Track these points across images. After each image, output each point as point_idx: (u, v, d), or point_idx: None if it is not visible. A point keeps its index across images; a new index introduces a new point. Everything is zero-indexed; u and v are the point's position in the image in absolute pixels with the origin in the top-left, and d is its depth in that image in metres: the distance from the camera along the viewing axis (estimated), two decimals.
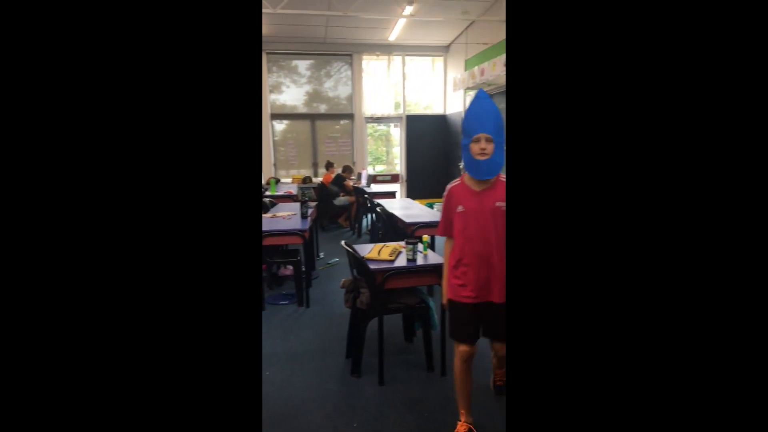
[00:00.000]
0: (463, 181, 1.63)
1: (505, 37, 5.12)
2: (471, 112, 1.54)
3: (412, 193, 7.25)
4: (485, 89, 5.86)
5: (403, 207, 4.05)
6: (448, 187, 1.65)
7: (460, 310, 1.64)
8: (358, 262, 2.16)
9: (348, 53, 7.03)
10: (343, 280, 2.32)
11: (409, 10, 5.41)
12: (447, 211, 1.65)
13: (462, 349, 1.66)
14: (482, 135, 1.48)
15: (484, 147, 1.48)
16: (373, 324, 2.18)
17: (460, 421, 1.71)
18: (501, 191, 1.56)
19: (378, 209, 3.83)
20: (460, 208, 1.59)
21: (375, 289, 2.10)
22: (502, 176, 1.58)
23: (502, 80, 5.10)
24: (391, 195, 5.78)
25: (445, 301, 1.69)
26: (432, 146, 7.33)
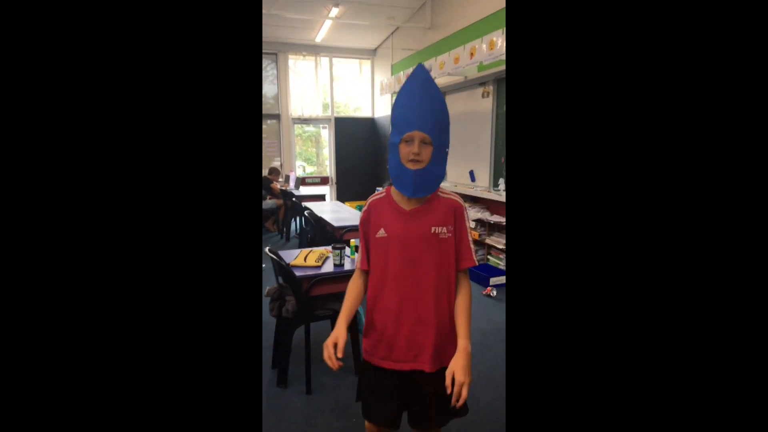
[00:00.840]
0: (388, 193, 1.13)
1: (428, 45, 5.30)
2: (404, 97, 1.04)
3: (342, 195, 7.24)
4: None
5: (332, 210, 4.03)
6: (368, 201, 1.16)
7: (379, 378, 1.12)
8: (284, 270, 2.10)
9: (273, 52, 6.83)
10: (268, 288, 2.24)
11: (335, 12, 5.39)
12: (366, 236, 1.14)
13: None
14: (417, 134, 1.00)
15: (418, 152, 1.00)
16: (299, 331, 2.13)
17: None
18: (441, 212, 1.08)
19: (306, 213, 3.77)
20: (381, 232, 1.09)
21: (301, 297, 2.06)
22: (445, 192, 1.13)
23: None
24: (320, 198, 5.72)
25: (332, 341, 1.04)
26: (361, 149, 7.38)
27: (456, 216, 1.10)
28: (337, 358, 1.03)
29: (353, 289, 1.17)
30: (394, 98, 1.07)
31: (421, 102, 1.02)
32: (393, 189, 1.12)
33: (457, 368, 1.00)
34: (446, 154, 1.07)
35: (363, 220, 1.15)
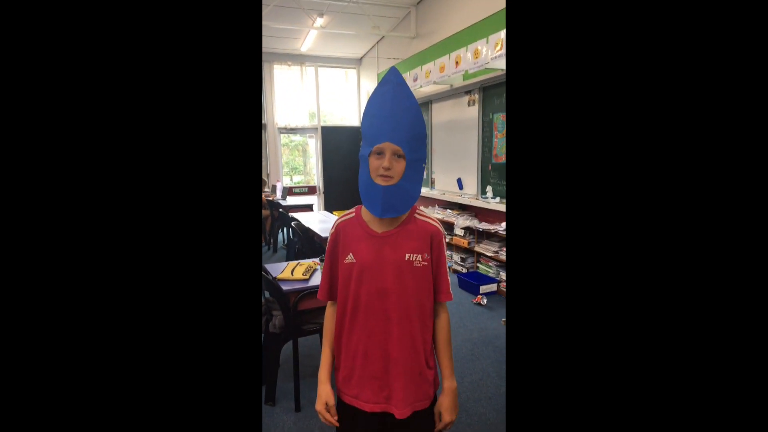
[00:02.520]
0: (358, 214, 1.02)
1: (413, 54, 5.33)
2: (375, 104, 0.94)
3: (330, 204, 7.19)
4: None
5: (320, 221, 3.99)
6: (336, 222, 1.04)
7: (353, 417, 1.01)
8: (270, 284, 2.05)
9: None
10: None
11: (319, 21, 5.39)
12: (331, 261, 1.02)
13: None
14: (388, 145, 0.90)
15: (389, 166, 0.90)
16: (287, 347, 2.08)
17: None
18: (417, 237, 0.98)
19: (294, 224, 3.72)
20: (349, 257, 0.98)
21: (288, 311, 2.01)
22: (422, 215, 1.02)
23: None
24: (308, 208, 5.67)
25: (322, 405, 1.00)
26: (348, 158, 7.36)
27: (434, 243, 0.99)
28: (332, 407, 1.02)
29: (331, 329, 1.04)
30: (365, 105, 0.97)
31: (394, 110, 0.90)
32: (364, 209, 1.01)
33: (444, 409, 1.01)
34: (422, 169, 0.97)
35: (330, 244, 1.03)
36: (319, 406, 1.00)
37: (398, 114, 0.91)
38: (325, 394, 1.00)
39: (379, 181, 0.92)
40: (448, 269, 1.04)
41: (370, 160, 0.93)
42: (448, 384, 1.01)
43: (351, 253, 0.98)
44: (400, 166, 0.91)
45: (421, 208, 1.09)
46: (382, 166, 0.90)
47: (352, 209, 1.05)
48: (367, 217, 1.00)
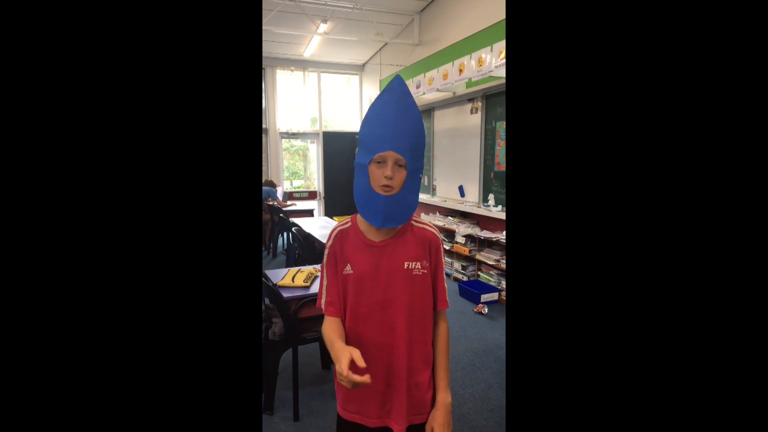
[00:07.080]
0: (354, 223, 0.99)
1: (416, 61, 5.34)
2: (378, 112, 0.91)
3: (331, 210, 7.17)
4: None
5: (321, 227, 3.96)
6: (333, 231, 1.00)
7: None
8: (270, 291, 2.02)
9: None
10: None
11: (323, 27, 5.40)
12: (330, 272, 0.98)
13: None
14: (391, 154, 0.88)
15: (391, 175, 0.88)
16: (287, 355, 2.05)
17: None
18: (415, 244, 0.96)
19: (294, 230, 3.69)
20: (347, 269, 0.95)
21: (289, 319, 1.98)
22: (419, 222, 1.00)
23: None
24: (308, 213, 5.65)
25: (347, 362, 0.83)
26: (350, 162, 7.35)
27: (432, 250, 0.97)
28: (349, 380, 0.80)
29: (337, 330, 0.94)
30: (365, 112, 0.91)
31: (398, 119, 0.88)
32: (359, 218, 0.97)
33: (436, 425, 0.95)
34: (420, 179, 0.95)
35: (330, 255, 0.98)
36: (344, 364, 0.77)
37: (402, 123, 0.89)
38: (343, 351, 0.80)
39: (381, 191, 0.89)
40: (445, 277, 1.02)
41: (370, 168, 0.90)
42: (442, 398, 0.96)
43: (349, 264, 0.95)
44: (401, 176, 0.89)
45: (422, 215, 1.07)
46: (385, 175, 0.88)
47: (347, 218, 1.02)
48: (364, 227, 0.97)
